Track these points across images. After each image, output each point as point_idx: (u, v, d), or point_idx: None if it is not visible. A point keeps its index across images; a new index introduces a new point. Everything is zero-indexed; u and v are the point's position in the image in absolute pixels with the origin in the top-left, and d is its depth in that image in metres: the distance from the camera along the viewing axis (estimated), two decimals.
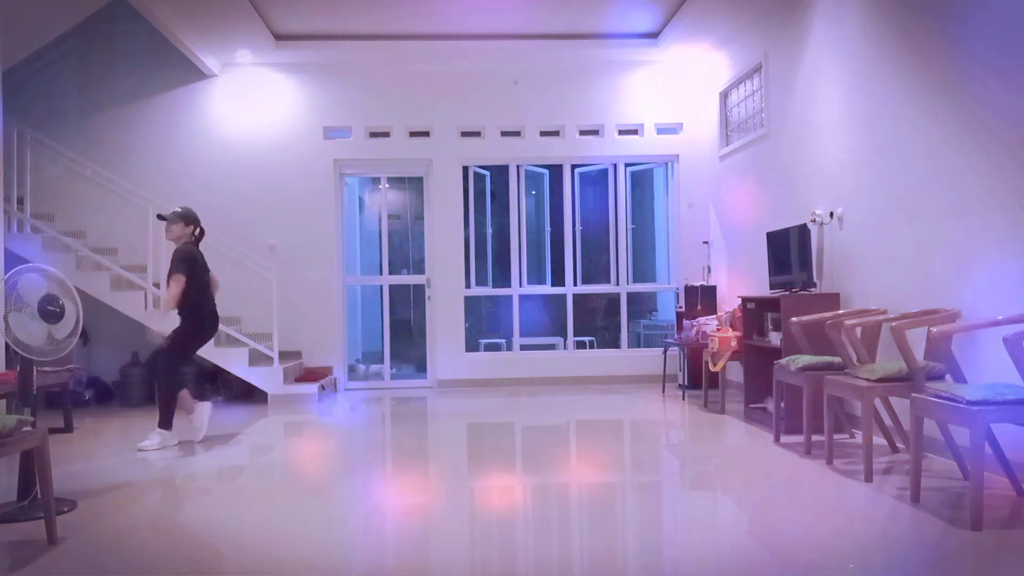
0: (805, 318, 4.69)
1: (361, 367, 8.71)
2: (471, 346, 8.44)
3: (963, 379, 3.64)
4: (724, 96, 7.56)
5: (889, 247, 4.74)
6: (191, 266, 5.14)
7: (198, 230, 5.35)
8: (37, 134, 7.12)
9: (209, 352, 6.97)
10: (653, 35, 7.50)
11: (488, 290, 8.44)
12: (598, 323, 9.52)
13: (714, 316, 6.77)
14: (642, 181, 9.09)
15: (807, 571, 2.70)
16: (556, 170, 8.48)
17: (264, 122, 7.92)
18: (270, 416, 6.32)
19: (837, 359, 4.38)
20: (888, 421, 4.48)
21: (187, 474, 4.31)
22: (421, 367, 8.45)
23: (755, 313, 5.79)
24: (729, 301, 7.24)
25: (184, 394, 5.22)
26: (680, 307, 7.60)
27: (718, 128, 7.66)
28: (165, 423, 5.07)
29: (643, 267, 8.77)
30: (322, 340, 7.85)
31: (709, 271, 7.88)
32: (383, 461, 4.86)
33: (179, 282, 5.05)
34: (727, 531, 3.19)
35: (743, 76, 7.03)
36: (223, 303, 7.50)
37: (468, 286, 8.19)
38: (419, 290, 8.77)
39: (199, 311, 5.23)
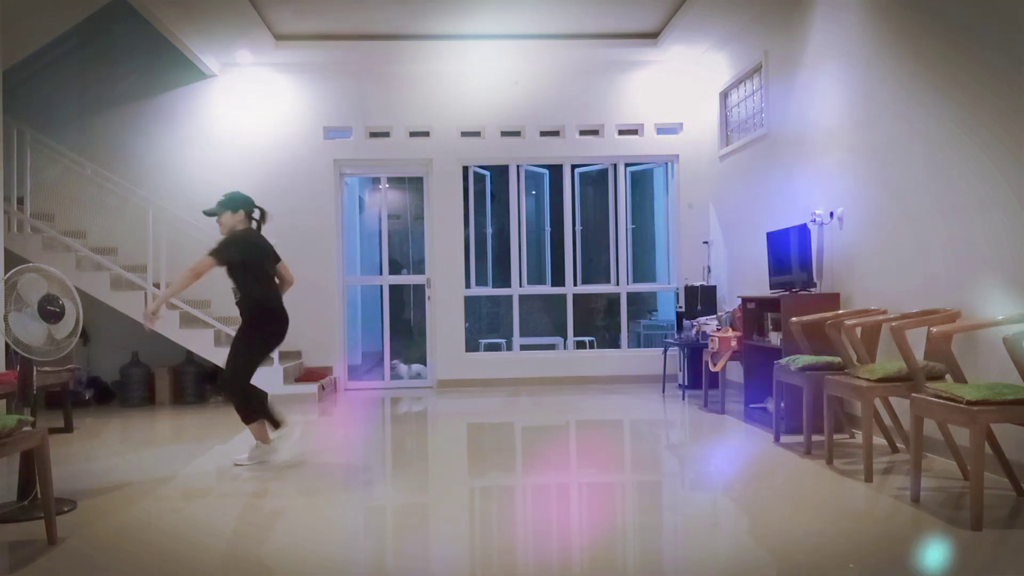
0: (805, 318, 4.69)
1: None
2: (471, 346, 8.44)
3: (963, 379, 3.64)
4: (724, 96, 7.56)
5: (889, 247, 4.74)
6: (243, 251, 4.38)
7: (257, 212, 4.59)
8: (37, 134, 7.11)
9: (209, 352, 6.98)
10: (653, 35, 7.50)
11: (488, 290, 8.44)
12: (598, 323, 9.52)
13: (714, 316, 6.77)
14: (642, 181, 9.10)
15: (807, 571, 2.70)
16: (556, 170, 8.48)
17: (264, 122, 7.91)
18: None
19: (837, 359, 4.38)
20: (888, 421, 4.48)
21: (187, 474, 4.30)
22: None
23: (755, 313, 5.79)
24: (729, 301, 7.24)
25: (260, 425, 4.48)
26: (680, 307, 7.60)
27: (718, 128, 7.66)
28: (274, 423, 4.46)
29: (643, 267, 8.77)
30: (322, 340, 7.85)
31: (709, 271, 7.88)
32: (383, 461, 4.86)
33: (200, 265, 4.25)
34: (727, 531, 3.19)
35: (743, 76, 7.02)
36: (223, 303, 7.53)
37: (468, 286, 8.18)
38: (419, 290, 8.76)
39: (259, 305, 4.44)
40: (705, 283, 7.50)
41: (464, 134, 8.13)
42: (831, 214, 5.41)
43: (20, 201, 6.94)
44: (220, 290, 7.80)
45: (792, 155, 6.04)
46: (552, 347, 8.62)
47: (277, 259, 4.62)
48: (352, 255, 8.81)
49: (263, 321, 4.47)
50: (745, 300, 5.89)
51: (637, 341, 8.86)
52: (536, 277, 8.62)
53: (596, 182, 8.85)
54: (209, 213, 4.53)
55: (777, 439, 4.80)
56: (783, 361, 4.66)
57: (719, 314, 6.81)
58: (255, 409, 4.39)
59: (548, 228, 8.94)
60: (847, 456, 4.34)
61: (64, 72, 7.74)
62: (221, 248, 4.34)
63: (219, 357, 7.00)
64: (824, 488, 3.72)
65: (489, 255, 8.53)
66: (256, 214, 4.59)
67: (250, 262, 4.40)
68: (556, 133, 8.17)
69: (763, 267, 6.09)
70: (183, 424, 6.17)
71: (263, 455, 4.42)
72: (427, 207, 8.19)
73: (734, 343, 5.89)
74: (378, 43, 7.48)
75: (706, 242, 7.99)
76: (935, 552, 2.84)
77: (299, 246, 7.74)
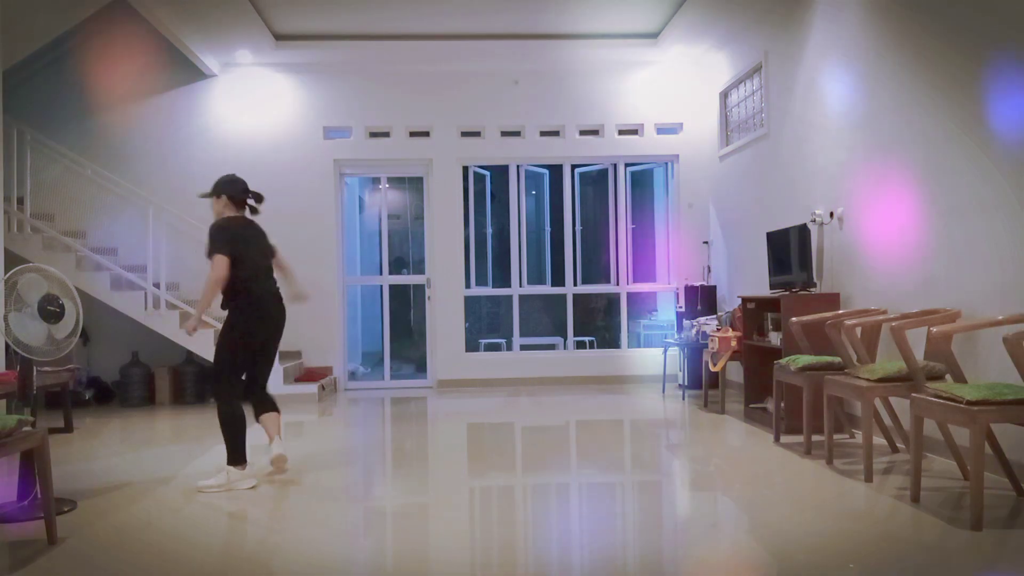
0: (805, 318, 4.69)
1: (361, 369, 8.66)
2: (471, 346, 8.44)
3: (963, 379, 3.64)
4: (724, 96, 7.56)
5: (889, 247, 4.74)
6: (228, 241, 3.95)
7: (240, 198, 4.14)
8: (37, 134, 7.11)
9: (209, 352, 6.96)
10: (653, 35, 7.49)
11: (488, 290, 8.44)
12: (598, 323, 9.52)
13: (714, 316, 6.77)
14: (642, 181, 9.09)
15: (807, 571, 2.70)
16: (556, 170, 8.48)
17: (264, 122, 7.91)
18: None
19: (837, 359, 4.38)
20: (888, 421, 4.48)
21: (187, 474, 4.30)
22: (421, 367, 8.45)
23: (755, 313, 5.79)
24: (729, 301, 7.24)
25: (271, 418, 4.09)
26: (680, 307, 7.60)
27: (718, 128, 7.66)
28: (233, 457, 3.93)
29: (643, 267, 8.77)
30: (322, 340, 7.84)
31: (709, 271, 7.88)
32: (383, 461, 4.86)
33: (219, 265, 3.87)
34: (727, 531, 3.19)
35: (743, 76, 7.02)
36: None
37: (468, 286, 8.18)
38: (419, 290, 8.76)
39: (245, 295, 4.00)
40: (705, 283, 7.50)
41: (464, 134, 8.13)
42: (831, 214, 5.41)
43: (20, 201, 6.93)
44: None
45: (792, 155, 6.04)
46: (552, 347, 8.62)
47: (270, 251, 4.23)
48: (352, 255, 8.81)
49: (243, 314, 4.00)
50: (745, 300, 5.89)
51: (637, 341, 8.86)
52: (536, 277, 8.62)
53: (596, 182, 8.85)
54: (203, 195, 4.20)
55: (777, 439, 4.80)
56: (783, 361, 4.66)
57: (719, 314, 6.81)
58: (230, 429, 3.95)
59: (548, 228, 8.94)
60: (847, 456, 4.34)
61: (64, 72, 7.74)
62: (209, 242, 3.96)
63: None
64: (824, 488, 3.72)
65: (489, 255, 8.53)
66: (250, 199, 4.20)
67: (234, 254, 3.95)
68: (556, 133, 8.17)
69: (763, 267, 6.09)
70: (183, 424, 6.17)
71: (235, 481, 3.92)
72: (427, 207, 8.19)
73: (734, 343, 5.89)
74: (378, 43, 7.48)
75: (706, 242, 7.99)
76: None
77: (299, 246, 7.73)
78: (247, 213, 4.22)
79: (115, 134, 7.75)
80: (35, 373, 3.66)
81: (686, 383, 6.95)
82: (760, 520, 3.28)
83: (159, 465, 4.55)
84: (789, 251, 5.55)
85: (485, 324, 10.12)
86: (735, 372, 6.76)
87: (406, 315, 10.26)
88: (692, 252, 8.06)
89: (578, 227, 8.33)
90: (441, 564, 2.86)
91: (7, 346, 4.43)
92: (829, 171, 5.47)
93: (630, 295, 8.37)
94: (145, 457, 4.86)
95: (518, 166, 8.23)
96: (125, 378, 7.19)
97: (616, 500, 3.78)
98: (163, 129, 7.81)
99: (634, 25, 7.33)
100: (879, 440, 4.46)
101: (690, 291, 7.39)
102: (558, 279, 8.42)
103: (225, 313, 4.06)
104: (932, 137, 4.28)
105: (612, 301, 8.79)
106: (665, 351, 7.41)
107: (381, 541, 3.24)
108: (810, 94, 5.72)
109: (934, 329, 3.49)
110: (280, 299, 4.22)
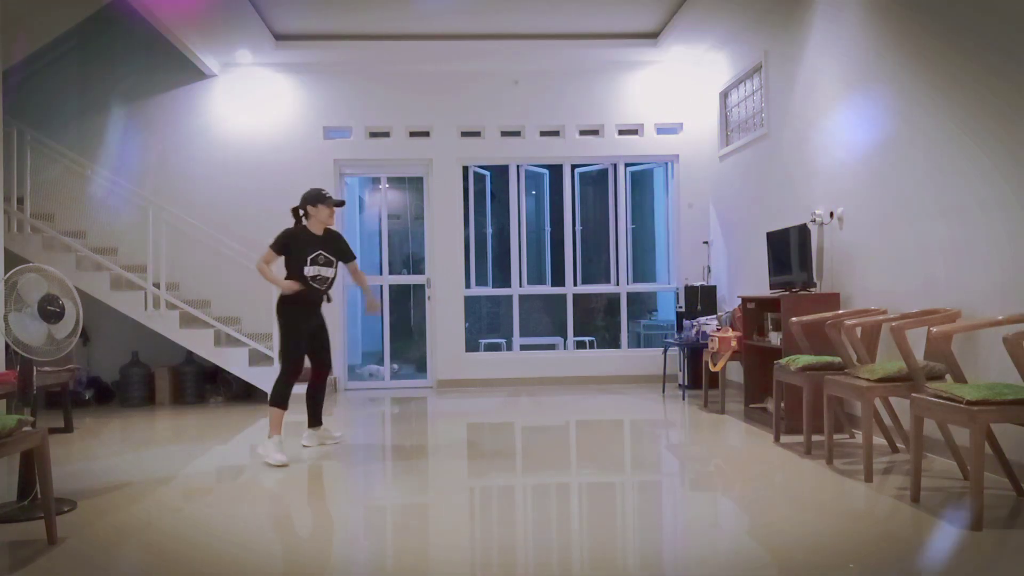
0: (805, 318, 4.69)
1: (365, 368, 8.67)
2: (471, 346, 8.44)
3: (963, 379, 3.64)
4: (724, 96, 7.56)
5: (889, 247, 4.74)
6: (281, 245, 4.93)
7: (303, 211, 5.09)
8: (37, 134, 7.11)
9: (209, 352, 6.97)
10: (653, 35, 7.50)
11: (488, 290, 8.44)
12: (598, 323, 9.52)
13: (714, 316, 6.77)
14: (642, 181, 9.09)
15: (807, 571, 2.70)
16: (556, 170, 8.48)
17: (264, 122, 7.91)
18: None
19: (837, 359, 4.38)
20: (888, 421, 4.48)
21: (187, 474, 4.30)
22: (421, 367, 8.45)
23: (755, 313, 5.79)
24: (729, 301, 7.24)
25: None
26: (680, 307, 7.60)
27: (718, 128, 7.66)
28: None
29: (643, 267, 8.77)
30: None
31: (709, 271, 7.88)
32: (383, 461, 4.85)
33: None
34: (727, 531, 3.19)
35: (743, 76, 7.03)
36: (223, 302, 7.53)
37: (468, 286, 8.18)
38: (419, 290, 8.77)
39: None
40: (705, 283, 7.50)
41: (464, 134, 8.13)
42: (831, 214, 5.41)
43: (20, 201, 6.93)
44: (220, 291, 7.82)
45: (792, 155, 6.04)
46: (552, 347, 8.62)
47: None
48: None
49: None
50: (745, 300, 5.89)
51: (637, 341, 8.86)
52: (536, 277, 8.62)
53: (596, 182, 8.84)
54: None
55: (777, 439, 4.80)
56: (783, 361, 4.66)
57: (719, 314, 6.81)
58: None
59: (548, 228, 8.94)
60: (847, 456, 4.34)
61: (64, 72, 7.74)
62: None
63: (219, 357, 7.00)
64: (824, 488, 3.72)
65: (489, 255, 8.53)
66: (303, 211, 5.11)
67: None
68: (556, 133, 8.17)
69: (763, 267, 6.09)
70: (183, 424, 6.17)
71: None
72: (427, 207, 8.19)
73: (734, 343, 5.89)
74: (378, 43, 7.48)
75: (706, 242, 7.99)
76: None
77: None
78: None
79: (115, 134, 7.75)
80: (35, 373, 3.66)
81: (686, 383, 6.95)
82: (760, 520, 3.28)
83: (159, 465, 4.55)
84: (789, 251, 5.55)
85: (485, 324, 10.12)
86: (735, 372, 6.76)
87: (406, 315, 10.25)
88: (692, 252, 8.06)
89: (578, 227, 8.33)
90: (441, 564, 2.86)
91: (7, 346, 4.43)
92: (829, 171, 5.47)
93: (630, 295, 8.37)
94: (145, 457, 4.86)
95: (518, 166, 8.24)
96: (125, 378, 7.19)
97: (616, 500, 3.78)
98: (163, 129, 7.81)
99: (634, 25, 7.34)
100: (879, 440, 4.46)
101: (690, 291, 7.40)
102: (558, 279, 8.42)
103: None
104: (932, 137, 4.28)
105: (612, 301, 8.79)
106: (665, 351, 7.41)
107: (381, 541, 3.24)
108: (810, 94, 5.72)
109: (934, 329, 3.49)
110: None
